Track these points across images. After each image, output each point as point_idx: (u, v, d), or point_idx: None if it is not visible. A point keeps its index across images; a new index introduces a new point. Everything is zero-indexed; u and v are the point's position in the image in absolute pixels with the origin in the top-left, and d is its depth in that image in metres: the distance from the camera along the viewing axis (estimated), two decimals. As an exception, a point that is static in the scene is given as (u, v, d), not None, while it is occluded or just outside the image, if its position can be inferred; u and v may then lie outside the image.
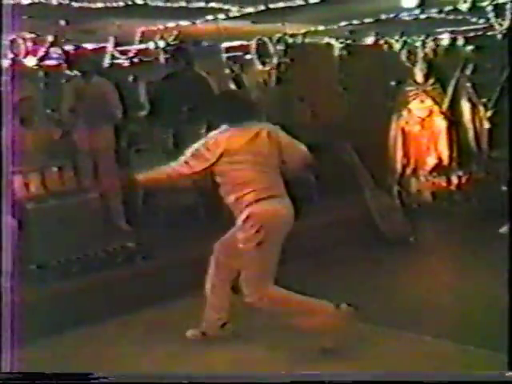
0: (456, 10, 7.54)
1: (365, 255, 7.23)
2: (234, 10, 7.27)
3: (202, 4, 6.87)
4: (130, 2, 6.53)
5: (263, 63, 9.40)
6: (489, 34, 8.65)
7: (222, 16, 7.49)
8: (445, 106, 9.46)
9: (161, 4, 6.73)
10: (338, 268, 6.76)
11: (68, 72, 8.07)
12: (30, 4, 6.12)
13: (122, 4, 6.55)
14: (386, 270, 6.75)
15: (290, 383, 3.28)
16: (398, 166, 9.51)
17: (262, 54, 9.41)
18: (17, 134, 6.21)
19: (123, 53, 8.71)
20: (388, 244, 7.49)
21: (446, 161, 9.43)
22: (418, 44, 9.78)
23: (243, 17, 7.50)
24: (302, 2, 7.03)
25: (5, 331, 3.47)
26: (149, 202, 7.95)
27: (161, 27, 8.19)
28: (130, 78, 8.99)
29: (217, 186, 5.06)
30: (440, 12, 7.83)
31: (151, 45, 8.67)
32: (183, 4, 6.82)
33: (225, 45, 9.71)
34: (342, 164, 7.90)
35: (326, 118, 9.50)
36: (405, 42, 9.89)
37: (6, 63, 6.94)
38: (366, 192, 7.89)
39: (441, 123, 9.45)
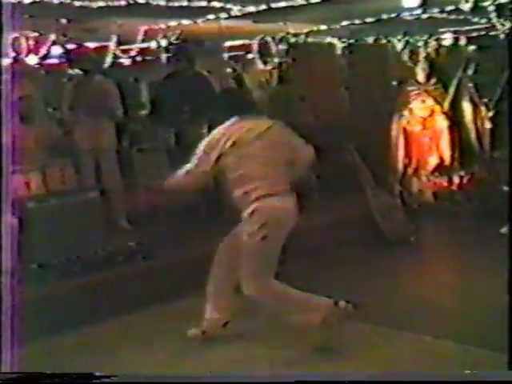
0: (458, 10, 7.53)
1: (365, 255, 7.23)
2: (236, 10, 7.27)
3: (203, 3, 6.87)
4: (131, 1, 6.53)
5: (265, 63, 9.39)
6: (491, 34, 8.64)
7: (223, 15, 7.48)
8: (446, 105, 9.46)
9: (162, 3, 6.74)
10: (338, 267, 6.75)
11: (70, 71, 8.06)
12: (31, 3, 6.12)
13: (123, 3, 6.55)
14: (387, 270, 6.75)
15: (290, 383, 3.27)
16: (400, 166, 9.50)
17: (264, 53, 9.40)
18: (18, 132, 6.21)
19: (125, 52, 8.70)
20: (389, 244, 7.49)
21: (447, 161, 9.42)
22: (420, 44, 9.76)
23: (245, 16, 7.50)
24: (304, 2, 7.03)
25: (5, 331, 3.46)
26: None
27: (163, 26, 8.19)
28: (132, 77, 8.99)
29: (221, 182, 5.08)
30: (442, 12, 7.82)
31: (153, 44, 8.66)
32: (185, 3, 6.82)
33: (226, 44, 9.71)
34: (343, 163, 7.91)
35: (327, 118, 9.50)
36: (407, 42, 9.87)
37: (7, 62, 6.94)
38: (367, 191, 7.89)
39: (442, 123, 9.44)
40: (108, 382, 3.39)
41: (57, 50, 7.78)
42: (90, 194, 6.72)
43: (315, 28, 9.22)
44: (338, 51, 10.20)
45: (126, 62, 8.62)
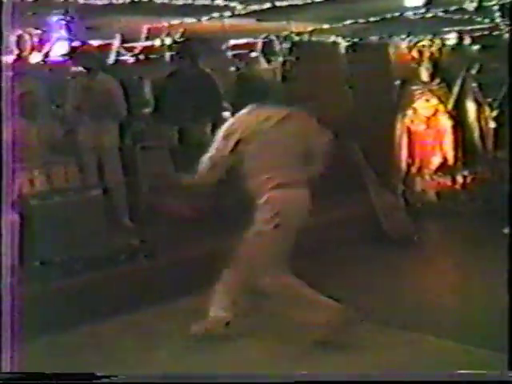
0: (462, 10, 7.53)
1: (368, 254, 7.22)
2: (240, 8, 7.26)
3: (207, 1, 6.88)
4: (135, -1, 6.54)
5: (268, 61, 9.38)
6: (495, 33, 8.63)
7: (227, 13, 7.48)
8: (450, 105, 9.44)
9: (166, 1, 6.74)
10: (340, 267, 6.74)
11: (73, 69, 8.06)
12: (35, 0, 6.13)
13: (127, 0, 6.56)
14: (389, 269, 6.74)
15: (290, 383, 3.27)
16: (403, 165, 9.49)
17: (268, 51, 9.40)
18: (21, 130, 6.22)
19: (129, 50, 8.70)
20: (391, 243, 7.48)
21: (450, 160, 9.41)
22: (425, 43, 9.75)
23: (248, 14, 7.50)
24: (308, 0, 7.02)
25: (5, 329, 3.46)
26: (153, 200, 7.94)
27: (166, 24, 8.19)
28: (136, 75, 8.99)
29: (235, 170, 5.02)
30: (446, 11, 7.81)
31: (157, 42, 8.66)
32: (189, 1, 6.82)
33: (230, 42, 9.70)
34: (346, 162, 7.89)
35: (330, 117, 9.47)
36: (411, 41, 9.86)
37: (10, 59, 6.94)
38: (370, 190, 7.87)
39: (446, 122, 9.43)
40: (108, 382, 3.38)
41: (60, 48, 7.78)
42: (93, 192, 6.73)
43: (319, 27, 9.21)
44: (342, 50, 10.18)
45: (129, 59, 8.63)
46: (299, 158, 5.01)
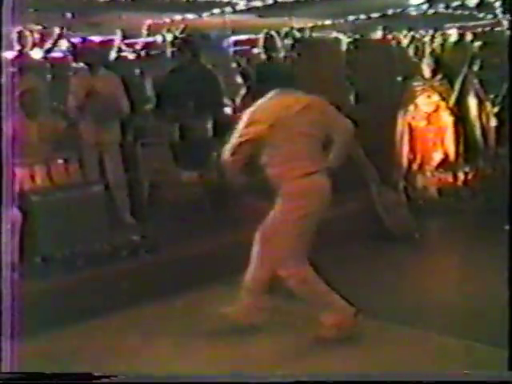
0: (463, 6, 7.52)
1: (369, 251, 7.22)
2: (241, 4, 7.26)
3: (208, -3, 6.89)
4: (136, -5, 6.54)
5: (270, 57, 9.37)
6: (497, 29, 8.62)
7: (228, 9, 7.48)
8: (452, 101, 9.43)
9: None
10: (341, 263, 6.74)
11: (74, 65, 8.05)
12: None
13: (129, -4, 6.57)
14: (391, 266, 6.73)
15: (290, 383, 3.28)
16: (404, 162, 9.47)
17: (269, 48, 9.38)
18: (22, 126, 6.23)
19: (130, 46, 8.70)
20: (393, 240, 7.47)
21: (452, 156, 9.40)
22: (426, 39, 9.74)
23: (250, 10, 7.49)
24: (309, -4, 7.03)
25: (6, 326, 3.46)
26: (154, 196, 7.95)
27: (167, 20, 8.19)
28: (137, 71, 8.98)
29: (255, 158, 4.94)
30: (447, 7, 7.80)
31: (158, 38, 8.66)
32: (190, -3, 6.83)
33: (232, 39, 9.69)
34: (347, 159, 7.88)
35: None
36: (412, 37, 9.85)
37: (11, 55, 6.95)
38: (371, 187, 7.86)
39: (447, 119, 9.41)
40: (108, 382, 3.38)
41: (62, 44, 7.79)
42: (94, 188, 6.72)
43: (320, 23, 9.20)
44: (344, 46, 10.17)
45: (130, 56, 8.62)
46: (321, 146, 4.98)
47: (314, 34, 9.57)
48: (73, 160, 6.77)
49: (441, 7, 7.83)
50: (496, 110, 9.20)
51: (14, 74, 6.47)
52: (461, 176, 9.28)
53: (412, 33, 9.73)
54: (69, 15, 7.25)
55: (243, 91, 9.63)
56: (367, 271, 6.51)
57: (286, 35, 9.38)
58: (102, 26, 7.85)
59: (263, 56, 9.40)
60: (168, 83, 8.34)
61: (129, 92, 7.88)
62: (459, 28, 9.58)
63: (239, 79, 9.54)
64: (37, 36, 7.56)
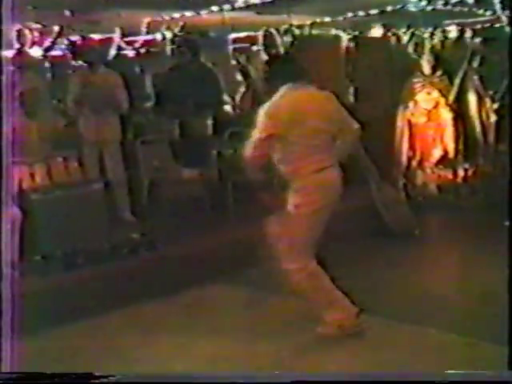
0: (463, 2, 7.52)
1: (369, 247, 7.21)
2: (240, 1, 7.26)
3: (207, -5, 6.88)
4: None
5: (269, 55, 9.37)
6: (496, 26, 8.62)
7: (227, 7, 7.47)
8: (451, 98, 9.43)
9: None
10: (341, 260, 6.74)
11: (74, 63, 8.06)
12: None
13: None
14: (391, 263, 6.73)
15: (290, 383, 3.28)
16: (404, 158, 9.47)
17: (269, 45, 9.38)
18: (22, 124, 6.23)
19: (129, 43, 8.71)
20: (393, 236, 7.47)
21: (451, 153, 9.39)
22: (426, 36, 9.73)
23: (248, 8, 7.49)
24: (308, -7, 7.03)
25: (6, 324, 3.47)
26: (154, 194, 7.96)
27: (166, 18, 8.19)
28: (137, 69, 8.99)
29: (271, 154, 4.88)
30: (447, 4, 7.80)
31: (158, 36, 8.67)
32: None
33: (231, 36, 9.70)
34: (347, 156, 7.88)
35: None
36: (412, 34, 9.84)
37: (11, 53, 6.95)
38: (371, 184, 7.86)
39: (447, 115, 9.40)
40: (108, 382, 3.39)
41: (61, 42, 7.80)
42: (94, 186, 6.71)
43: (320, 20, 9.20)
44: (343, 43, 10.16)
45: (130, 53, 8.63)
46: (333, 140, 4.96)
47: (314, 31, 9.56)
48: (72, 158, 6.77)
49: (440, 4, 7.83)
50: (496, 106, 9.19)
51: (13, 73, 6.47)
52: (460, 173, 9.28)
53: (412, 29, 9.73)
54: (68, 13, 7.24)
55: (243, 89, 9.65)
56: (367, 268, 6.51)
57: (286, 32, 9.38)
58: (101, 23, 7.85)
59: (263, 53, 9.40)
60: (168, 81, 8.35)
61: (128, 89, 7.88)
62: (458, 24, 9.58)
63: (239, 77, 9.55)
64: (36, 34, 7.56)
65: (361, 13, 8.57)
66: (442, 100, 9.44)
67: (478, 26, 9.42)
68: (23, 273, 5.35)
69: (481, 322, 5.03)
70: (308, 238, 4.86)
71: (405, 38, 9.91)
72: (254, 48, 9.66)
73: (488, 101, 9.30)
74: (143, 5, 7.07)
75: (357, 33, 10.03)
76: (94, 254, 6.25)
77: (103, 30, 8.26)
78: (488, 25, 9.13)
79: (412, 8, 8.10)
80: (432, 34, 9.68)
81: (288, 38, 9.44)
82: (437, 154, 9.41)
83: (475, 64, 9.39)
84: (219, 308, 5.74)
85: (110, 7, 7.06)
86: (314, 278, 4.90)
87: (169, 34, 8.49)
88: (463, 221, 8.10)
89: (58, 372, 3.66)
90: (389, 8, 8.24)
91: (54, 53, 7.96)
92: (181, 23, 8.28)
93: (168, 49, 8.63)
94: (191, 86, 8.07)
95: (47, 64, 7.93)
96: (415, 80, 9.54)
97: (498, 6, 7.61)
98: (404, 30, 9.78)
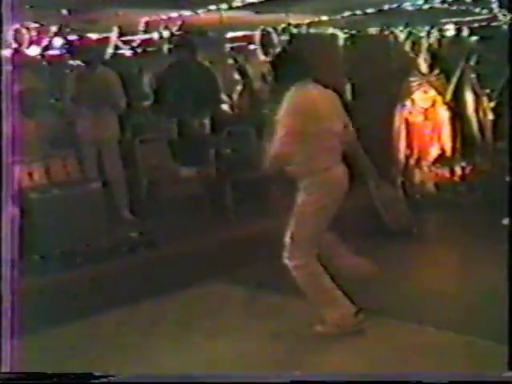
0: (460, 1, 7.52)
1: (368, 246, 7.21)
2: (237, 0, 7.25)
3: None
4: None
5: (266, 53, 9.36)
6: (493, 24, 8.62)
7: (224, 6, 7.46)
8: (448, 96, 9.44)
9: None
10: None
11: (71, 62, 8.06)
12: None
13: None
14: (389, 261, 6.74)
15: (290, 383, 3.29)
16: (402, 157, 9.49)
17: (266, 44, 9.37)
18: (20, 123, 6.22)
19: (127, 43, 8.69)
20: (391, 235, 7.47)
21: (449, 151, 9.41)
22: (423, 34, 9.74)
23: (246, 7, 7.48)
24: (306, -8, 7.02)
25: (6, 325, 3.46)
26: (152, 192, 7.96)
27: (164, 17, 8.18)
28: (135, 69, 8.98)
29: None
30: (444, 2, 7.80)
31: (155, 35, 8.65)
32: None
33: (228, 35, 9.69)
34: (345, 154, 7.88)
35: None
36: (409, 33, 9.84)
37: (8, 53, 6.94)
38: (369, 183, 7.86)
39: (444, 114, 9.42)
40: (108, 382, 3.39)
41: (58, 42, 7.78)
42: (92, 185, 6.72)
43: (317, 19, 9.19)
44: (340, 42, 10.16)
45: (127, 53, 8.62)
46: (339, 138, 5.00)
47: (311, 30, 9.55)
48: (71, 157, 6.77)
49: (437, 2, 7.82)
50: (493, 104, 9.21)
51: (11, 72, 6.46)
52: (458, 171, 9.30)
53: (409, 28, 9.73)
54: (65, 12, 7.23)
55: (240, 87, 9.66)
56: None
57: (283, 31, 9.37)
58: (98, 23, 7.84)
59: (260, 52, 9.39)
60: (165, 80, 8.35)
61: (126, 89, 7.89)
62: (456, 23, 9.59)
63: (236, 75, 9.56)
64: (33, 33, 7.55)
65: (358, 11, 8.55)
66: (439, 99, 9.46)
67: (475, 25, 9.42)
68: (22, 272, 5.34)
69: (478, 320, 5.05)
70: (311, 236, 4.88)
71: (402, 37, 9.91)
72: (252, 47, 9.65)
73: (485, 99, 9.31)
74: (141, 4, 7.06)
75: (354, 31, 10.03)
76: (93, 253, 6.26)
77: (101, 30, 8.25)
78: (485, 23, 9.13)
79: (409, 6, 8.09)
80: (429, 33, 9.69)
81: (285, 37, 9.43)
82: (434, 152, 9.43)
83: (472, 63, 9.40)
84: (218, 307, 5.74)
85: (107, 6, 7.05)
86: (313, 276, 4.91)
87: (166, 34, 8.47)
88: (461, 219, 8.13)
89: (58, 372, 3.66)
90: (386, 7, 8.22)
91: (51, 52, 7.94)
92: (178, 22, 8.27)
93: (165, 48, 8.62)
94: (189, 85, 8.07)
95: (45, 63, 7.91)
96: (412, 79, 9.56)
97: (495, 5, 7.62)
98: (401, 29, 9.77)
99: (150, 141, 8.20)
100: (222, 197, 7.72)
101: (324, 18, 9.12)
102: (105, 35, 8.41)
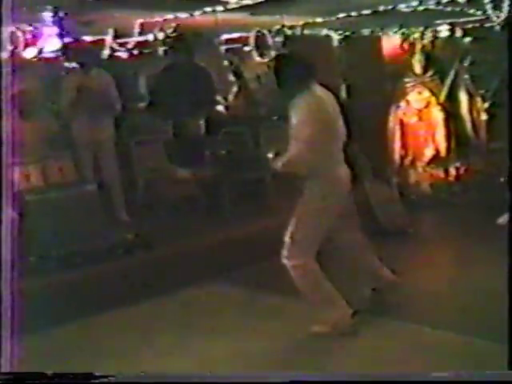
0: (454, 2, 7.54)
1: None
2: (233, 2, 7.26)
3: (199, -4, 6.87)
4: (127, -6, 6.54)
5: (261, 55, 9.38)
6: (486, 25, 8.65)
7: (220, 8, 7.47)
8: (442, 97, 9.48)
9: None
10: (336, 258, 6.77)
11: (67, 64, 8.06)
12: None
13: (119, -5, 6.56)
14: (384, 261, 6.75)
15: (289, 383, 3.30)
16: (397, 158, 9.53)
17: (261, 45, 9.38)
18: (16, 125, 6.22)
19: (122, 45, 8.69)
20: (386, 234, 7.50)
21: (443, 152, 9.45)
22: (417, 36, 9.77)
23: (241, 9, 7.49)
24: (301, -6, 7.03)
25: (6, 326, 3.47)
26: (148, 194, 7.97)
27: (159, 19, 8.18)
28: (130, 70, 8.98)
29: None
30: (438, 4, 7.82)
31: (150, 37, 8.65)
32: (181, -5, 6.82)
33: (223, 37, 9.69)
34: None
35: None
36: (403, 34, 9.87)
37: (5, 55, 6.94)
38: (365, 183, 7.90)
39: (438, 115, 9.47)
40: (107, 382, 3.40)
41: (54, 44, 7.77)
42: (88, 187, 6.74)
43: (311, 20, 9.20)
44: (335, 43, 10.19)
45: (123, 55, 8.62)
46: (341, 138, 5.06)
47: (306, 32, 9.57)
48: (67, 159, 6.78)
49: (431, 3, 7.84)
50: (487, 105, 9.25)
51: (7, 75, 6.46)
52: (452, 171, 9.35)
53: (403, 29, 9.76)
54: (61, 14, 7.23)
55: (235, 89, 9.67)
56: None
57: (278, 33, 9.38)
58: (94, 24, 7.84)
59: (255, 54, 9.40)
60: (161, 82, 8.37)
61: (122, 90, 7.89)
62: (450, 24, 9.62)
63: (231, 77, 9.57)
64: (29, 36, 7.55)
65: (353, 13, 8.56)
66: (434, 99, 9.51)
67: (469, 26, 9.45)
68: (18, 274, 5.34)
69: (475, 320, 5.06)
70: (311, 236, 4.91)
71: (396, 38, 9.94)
72: (246, 48, 9.66)
73: (479, 100, 9.36)
74: (136, 6, 7.06)
75: (348, 33, 10.05)
76: (90, 254, 6.27)
77: (96, 32, 8.24)
78: (478, 24, 9.16)
79: (403, 8, 8.11)
80: (423, 34, 9.72)
81: (280, 39, 9.44)
82: (429, 153, 9.47)
83: (466, 63, 9.45)
84: (216, 307, 5.76)
85: (102, 8, 7.05)
86: (311, 277, 4.94)
87: (161, 35, 8.48)
88: (456, 218, 8.16)
89: (58, 372, 3.66)
90: (380, 8, 8.23)
91: (47, 54, 7.93)
92: (174, 24, 8.27)
93: (161, 50, 8.62)
94: (184, 86, 8.09)
95: (41, 65, 7.91)
96: (407, 80, 9.60)
97: (488, 6, 7.64)
98: (395, 30, 9.81)
99: (145, 142, 8.22)
100: (218, 197, 7.74)
101: (319, 19, 9.13)
102: (100, 37, 8.41)
